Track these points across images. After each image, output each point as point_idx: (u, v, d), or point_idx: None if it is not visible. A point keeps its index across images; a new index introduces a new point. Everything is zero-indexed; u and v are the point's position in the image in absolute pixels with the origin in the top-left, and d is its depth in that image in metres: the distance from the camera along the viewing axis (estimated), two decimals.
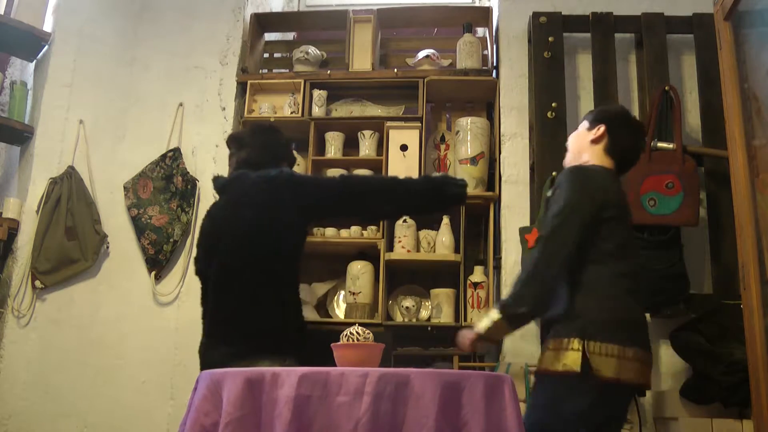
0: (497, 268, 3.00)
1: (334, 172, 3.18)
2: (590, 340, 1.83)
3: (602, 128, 2.10)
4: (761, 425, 1.93)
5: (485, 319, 1.94)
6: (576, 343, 1.84)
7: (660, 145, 2.79)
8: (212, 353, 2.28)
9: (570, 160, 2.17)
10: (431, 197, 2.41)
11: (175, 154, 3.26)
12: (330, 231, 3.08)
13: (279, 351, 2.18)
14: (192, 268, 3.11)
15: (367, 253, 3.07)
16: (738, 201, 2.11)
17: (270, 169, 2.48)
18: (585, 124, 2.18)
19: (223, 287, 2.34)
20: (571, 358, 1.83)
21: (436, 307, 2.95)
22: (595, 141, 2.10)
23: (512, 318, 1.90)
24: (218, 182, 2.56)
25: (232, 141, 2.63)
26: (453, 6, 3.62)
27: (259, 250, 2.34)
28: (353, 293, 2.98)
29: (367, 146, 3.20)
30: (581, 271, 1.92)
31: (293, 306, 2.36)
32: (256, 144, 2.55)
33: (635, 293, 1.95)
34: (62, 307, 3.10)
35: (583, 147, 2.13)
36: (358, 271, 3.00)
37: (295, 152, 2.82)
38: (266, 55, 3.68)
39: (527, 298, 1.89)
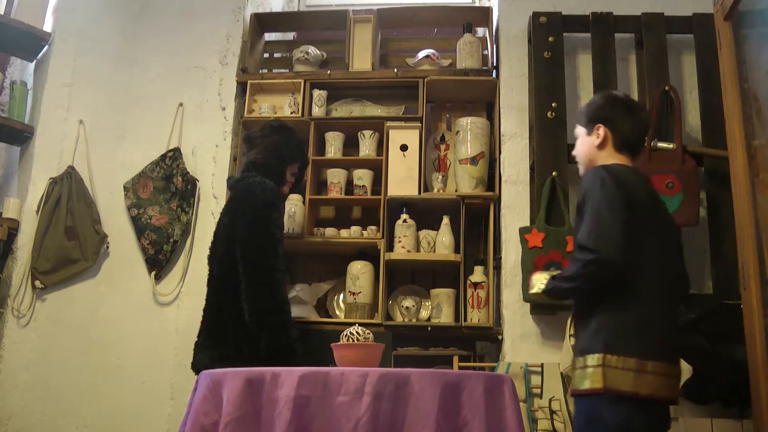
0: (497, 268, 3.00)
1: (334, 172, 3.18)
2: (611, 354, 1.76)
3: (601, 129, 2.02)
4: (761, 425, 1.93)
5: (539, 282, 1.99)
6: (598, 359, 1.77)
7: (660, 145, 2.79)
8: (199, 355, 2.41)
9: (584, 172, 2.06)
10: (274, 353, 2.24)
11: (175, 154, 3.25)
12: (330, 231, 3.08)
13: (240, 360, 2.14)
14: (192, 268, 3.15)
15: (367, 253, 3.06)
16: (738, 201, 2.11)
17: (273, 172, 2.51)
18: (581, 129, 2.10)
19: (208, 291, 2.47)
20: (595, 376, 1.76)
21: (436, 307, 2.95)
22: (601, 145, 2.02)
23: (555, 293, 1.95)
24: (228, 184, 2.61)
25: (245, 141, 2.68)
26: (453, 6, 3.62)
27: (222, 261, 2.41)
28: (353, 293, 2.98)
29: (367, 146, 3.20)
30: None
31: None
32: (263, 145, 2.57)
33: (664, 300, 1.85)
34: (62, 307, 3.09)
35: (591, 155, 2.05)
36: (358, 271, 3.00)
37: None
38: (266, 55, 3.68)
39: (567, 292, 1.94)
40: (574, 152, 2.15)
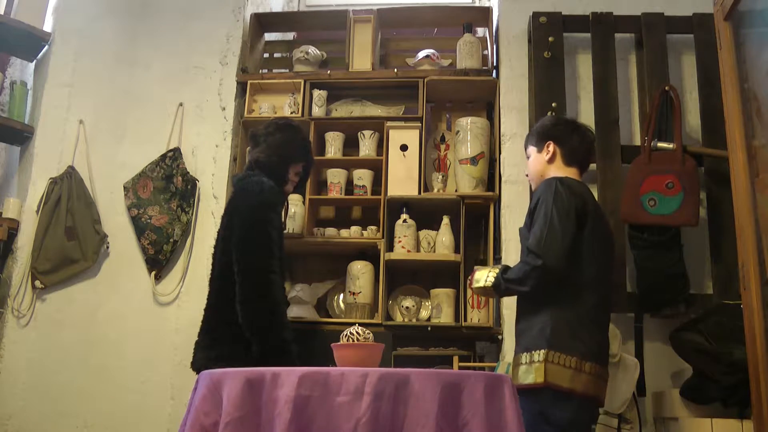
0: None
1: (334, 172, 3.18)
2: (554, 351, 1.91)
3: (551, 145, 2.20)
4: (761, 425, 1.93)
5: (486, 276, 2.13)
6: (543, 355, 1.92)
7: (660, 145, 2.79)
8: (197, 354, 2.38)
9: (536, 188, 2.22)
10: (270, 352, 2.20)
11: (175, 154, 3.26)
12: (330, 231, 3.08)
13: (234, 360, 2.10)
14: (192, 268, 3.14)
15: (367, 253, 3.07)
16: (738, 201, 2.10)
17: (275, 171, 2.49)
18: (532, 149, 2.26)
19: (209, 290, 2.44)
20: (538, 371, 1.91)
21: (436, 307, 2.95)
22: (551, 160, 2.19)
23: (502, 291, 2.10)
24: (232, 181, 2.59)
25: (250, 139, 2.64)
26: (453, 6, 3.62)
27: (221, 261, 2.38)
28: (353, 293, 2.98)
29: (367, 146, 3.20)
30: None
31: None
32: (266, 143, 2.54)
33: (602, 306, 2.02)
34: (62, 307, 3.10)
35: (542, 169, 2.21)
36: (358, 271, 3.00)
37: None
38: (266, 55, 3.68)
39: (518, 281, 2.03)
40: (526, 171, 2.32)
